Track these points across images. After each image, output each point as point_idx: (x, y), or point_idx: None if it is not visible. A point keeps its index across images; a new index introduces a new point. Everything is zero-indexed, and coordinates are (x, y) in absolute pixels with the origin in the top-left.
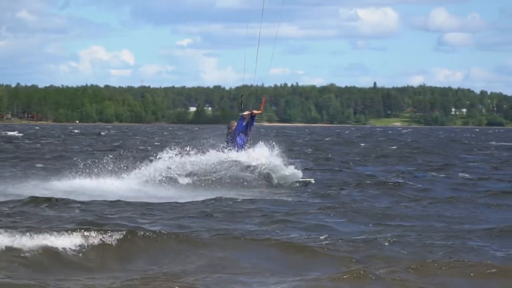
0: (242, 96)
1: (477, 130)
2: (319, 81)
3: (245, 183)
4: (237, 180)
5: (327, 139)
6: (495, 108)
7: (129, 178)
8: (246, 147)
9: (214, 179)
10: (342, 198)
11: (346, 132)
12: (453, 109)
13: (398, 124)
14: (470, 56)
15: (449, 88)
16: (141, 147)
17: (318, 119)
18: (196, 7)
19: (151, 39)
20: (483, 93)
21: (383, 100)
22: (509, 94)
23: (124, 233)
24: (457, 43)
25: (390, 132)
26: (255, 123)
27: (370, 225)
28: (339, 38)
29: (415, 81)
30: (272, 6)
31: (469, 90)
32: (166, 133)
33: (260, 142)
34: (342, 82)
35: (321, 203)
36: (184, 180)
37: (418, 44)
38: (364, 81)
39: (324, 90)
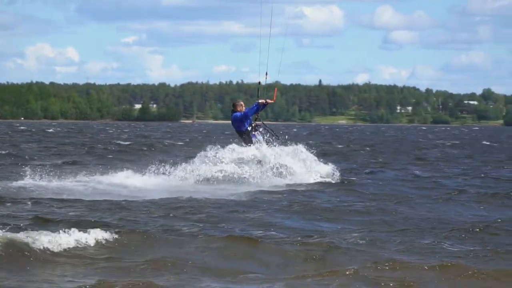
0: (259, 82)
1: (424, 128)
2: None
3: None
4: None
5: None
6: (441, 106)
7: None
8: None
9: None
10: (297, 196)
11: (294, 129)
12: (398, 107)
13: (343, 122)
14: (416, 54)
15: (395, 86)
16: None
17: (263, 116)
18: (142, 4)
19: (96, 36)
20: (428, 91)
21: (328, 98)
22: (454, 92)
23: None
24: (403, 41)
25: (337, 129)
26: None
27: (324, 221)
28: (284, 35)
29: (361, 79)
30: (216, 3)
31: (414, 88)
32: (116, 130)
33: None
34: (287, 79)
35: (271, 201)
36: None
37: (363, 42)
38: (309, 79)
39: (269, 87)
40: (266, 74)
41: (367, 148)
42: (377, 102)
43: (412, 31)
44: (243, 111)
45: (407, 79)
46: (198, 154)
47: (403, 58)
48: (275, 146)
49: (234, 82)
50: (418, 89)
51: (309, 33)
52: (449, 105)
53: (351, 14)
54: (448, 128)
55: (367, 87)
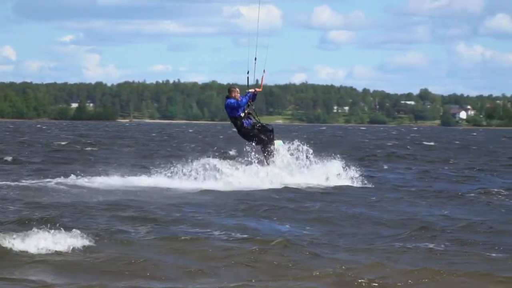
0: (248, 72)
1: (364, 128)
2: (201, 78)
3: None
4: None
5: (221, 137)
6: (378, 106)
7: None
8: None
9: None
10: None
11: (231, 130)
12: (335, 107)
13: (280, 121)
14: (353, 54)
15: (332, 86)
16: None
17: (199, 116)
18: (79, 3)
19: (33, 35)
20: (365, 91)
21: (265, 98)
22: (391, 92)
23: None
24: (340, 41)
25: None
26: None
27: (288, 225)
28: (221, 35)
29: (298, 79)
30: (153, 2)
31: (351, 88)
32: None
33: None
34: (224, 79)
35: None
36: None
37: (301, 41)
38: (246, 79)
39: (206, 87)
40: (248, 72)
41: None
42: (314, 102)
43: (349, 31)
44: (238, 99)
45: (344, 79)
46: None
47: (341, 58)
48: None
49: (171, 81)
50: (355, 89)
51: (246, 33)
52: (386, 105)
53: (289, 14)
54: (387, 128)
55: (304, 86)
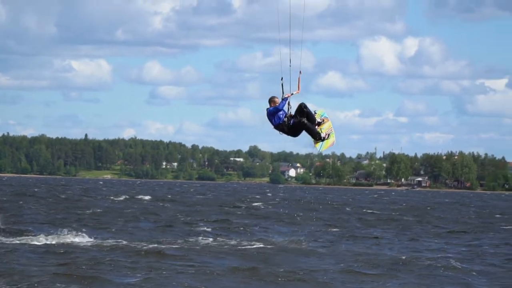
0: (282, 78)
1: (198, 184)
2: (30, 132)
3: None
4: None
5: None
6: (207, 163)
7: None
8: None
9: None
10: None
11: (68, 187)
12: (164, 163)
13: (109, 176)
14: (183, 110)
15: (161, 142)
16: None
17: (28, 169)
18: None
19: None
20: (194, 147)
21: (94, 152)
22: (220, 149)
23: None
24: (170, 96)
25: (101, 182)
26: None
27: None
28: (52, 89)
29: (127, 134)
30: None
31: (180, 144)
32: None
33: None
34: (53, 133)
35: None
36: None
37: (130, 96)
38: (75, 133)
39: (35, 140)
40: (282, 79)
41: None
42: (143, 157)
43: (179, 86)
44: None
45: (174, 134)
46: None
47: (170, 113)
48: None
49: (0, 134)
50: (184, 145)
51: (76, 87)
52: (215, 162)
53: (119, 68)
54: (216, 185)
55: (133, 142)
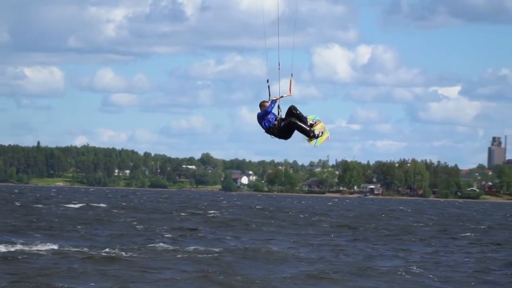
0: (268, 81)
1: (152, 191)
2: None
3: None
4: None
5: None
6: (159, 170)
7: None
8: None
9: None
10: None
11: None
12: (116, 170)
13: (61, 183)
14: (135, 117)
15: (113, 149)
16: None
17: None
18: None
19: None
20: (147, 154)
21: (46, 160)
22: (173, 156)
23: None
24: (123, 103)
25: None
26: None
27: None
28: (4, 96)
29: (80, 141)
30: None
31: (133, 152)
32: None
33: None
34: (5, 141)
35: None
36: None
37: (83, 104)
38: (27, 140)
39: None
40: (268, 81)
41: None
42: (95, 164)
43: (132, 94)
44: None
45: (126, 142)
46: None
47: (123, 121)
48: None
49: None
50: (136, 152)
51: (29, 94)
52: (168, 169)
53: (72, 76)
54: (167, 193)
55: (86, 149)
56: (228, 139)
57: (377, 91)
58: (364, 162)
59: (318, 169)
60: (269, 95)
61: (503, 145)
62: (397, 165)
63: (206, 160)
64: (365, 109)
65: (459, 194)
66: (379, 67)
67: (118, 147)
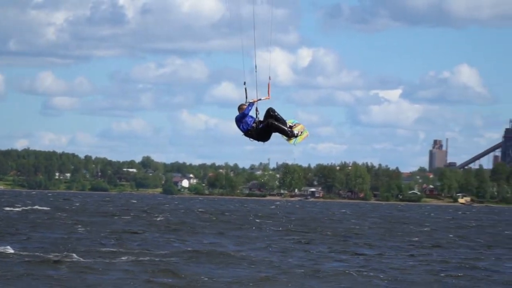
0: (245, 83)
1: (95, 195)
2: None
3: None
4: None
5: None
6: (100, 173)
7: None
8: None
9: None
10: None
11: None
12: (57, 173)
13: (2, 187)
14: (76, 121)
15: (54, 152)
16: None
17: None
18: None
19: None
20: (87, 158)
21: None
22: (113, 160)
23: None
24: (63, 107)
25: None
26: None
27: None
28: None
29: (20, 145)
30: None
31: (73, 155)
32: None
33: None
34: None
35: None
36: None
37: (24, 107)
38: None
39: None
40: (244, 83)
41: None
42: (36, 168)
43: (72, 97)
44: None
45: (67, 145)
46: None
47: (63, 124)
48: None
49: None
50: (77, 156)
51: None
52: (108, 172)
53: (12, 79)
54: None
55: (26, 153)
56: (169, 143)
57: (318, 94)
58: (305, 165)
59: (259, 172)
60: (246, 98)
61: (444, 148)
62: (338, 168)
63: (146, 163)
64: (306, 112)
65: (400, 197)
66: (320, 70)
67: (59, 150)
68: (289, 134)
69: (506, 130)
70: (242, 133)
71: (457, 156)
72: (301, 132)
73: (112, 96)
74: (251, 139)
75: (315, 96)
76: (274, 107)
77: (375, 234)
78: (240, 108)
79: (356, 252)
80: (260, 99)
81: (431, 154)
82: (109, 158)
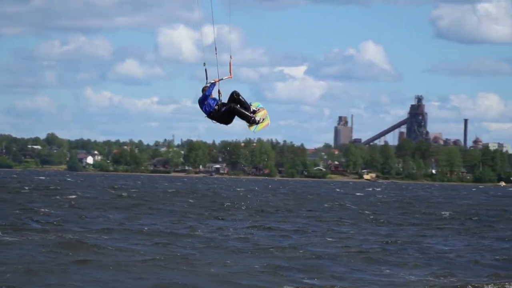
0: (204, 64)
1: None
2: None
3: None
4: None
5: None
6: (4, 151)
7: None
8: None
9: None
10: None
11: None
12: None
13: None
14: None
15: None
16: None
17: None
18: None
19: None
20: None
21: None
22: (18, 137)
23: None
24: None
25: None
26: None
27: None
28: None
29: None
30: None
31: None
32: None
33: None
34: None
35: None
36: None
37: None
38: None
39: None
40: (204, 64)
41: None
42: None
43: None
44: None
45: None
46: None
47: None
48: None
49: None
50: None
51: None
52: (13, 150)
53: None
54: (15, 175)
55: None
56: (74, 119)
57: (222, 71)
58: (209, 141)
59: (163, 149)
60: (206, 79)
61: (349, 125)
62: (243, 144)
63: (51, 140)
64: None
65: (305, 173)
66: (224, 47)
67: None
68: (250, 121)
69: (411, 107)
70: (205, 115)
71: (362, 132)
72: (263, 120)
73: (16, 73)
74: (214, 121)
75: (220, 73)
76: (238, 90)
77: (292, 209)
78: (203, 89)
79: (279, 227)
80: (221, 79)
81: (336, 131)
82: (13, 135)
